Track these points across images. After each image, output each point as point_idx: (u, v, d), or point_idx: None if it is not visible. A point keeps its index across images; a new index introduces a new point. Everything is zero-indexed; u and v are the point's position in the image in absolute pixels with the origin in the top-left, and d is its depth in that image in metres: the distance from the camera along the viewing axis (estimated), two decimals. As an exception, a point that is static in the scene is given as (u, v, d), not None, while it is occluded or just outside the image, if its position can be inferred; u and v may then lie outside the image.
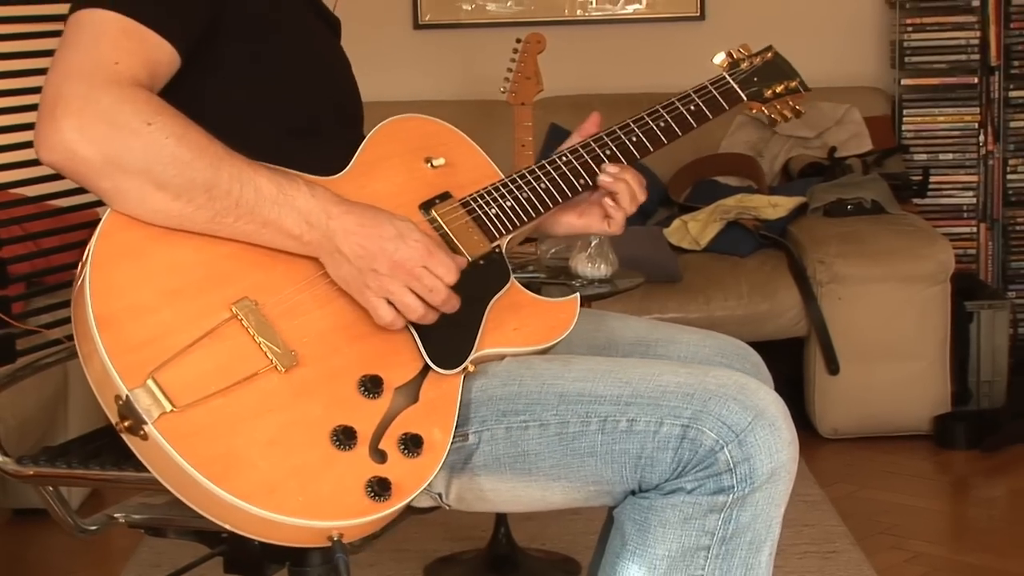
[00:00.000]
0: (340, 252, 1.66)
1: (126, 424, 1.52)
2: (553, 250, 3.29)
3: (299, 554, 1.79)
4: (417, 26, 5.08)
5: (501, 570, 3.22)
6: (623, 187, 1.92)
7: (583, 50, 4.93)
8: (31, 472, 1.86)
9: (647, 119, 1.99)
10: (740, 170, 4.73)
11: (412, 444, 1.62)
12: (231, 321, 1.61)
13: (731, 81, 2.09)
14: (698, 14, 5.05)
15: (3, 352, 1.89)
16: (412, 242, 1.67)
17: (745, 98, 2.10)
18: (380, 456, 1.60)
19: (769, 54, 2.16)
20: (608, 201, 1.93)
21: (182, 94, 1.70)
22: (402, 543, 3.25)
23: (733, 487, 1.65)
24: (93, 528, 1.94)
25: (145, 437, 1.52)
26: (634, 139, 1.97)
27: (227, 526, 1.56)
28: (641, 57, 4.98)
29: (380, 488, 1.56)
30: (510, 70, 3.34)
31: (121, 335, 1.55)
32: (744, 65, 2.13)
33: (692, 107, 2.03)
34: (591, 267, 3.20)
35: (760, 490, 1.66)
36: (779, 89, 2.13)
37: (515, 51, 3.35)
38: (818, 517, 3.49)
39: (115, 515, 1.90)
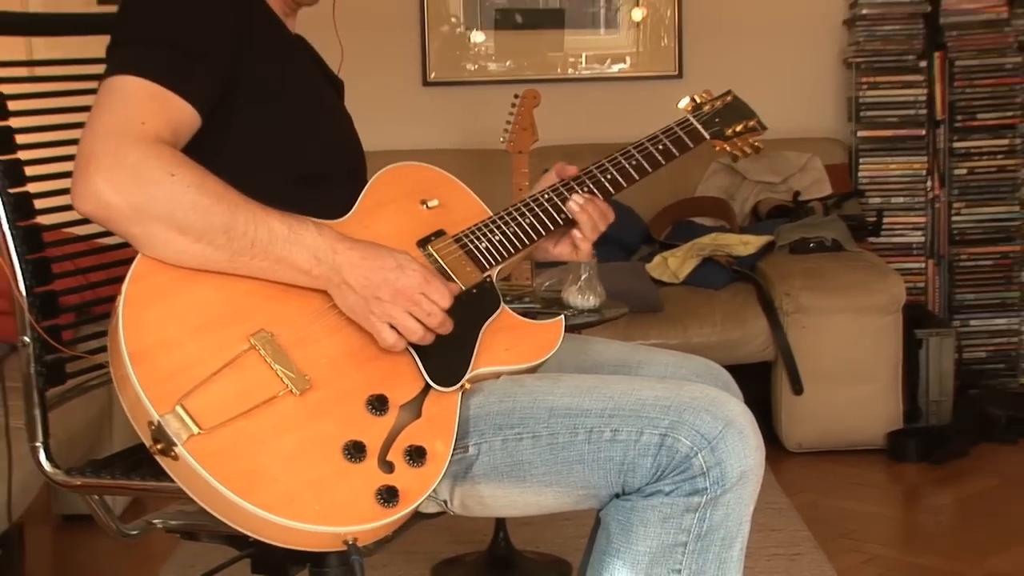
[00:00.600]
0: (347, 283, 1.68)
1: (159, 446, 1.53)
2: (547, 283, 3.29)
3: (319, 556, 1.79)
4: (426, 83, 5.10)
5: (500, 570, 3.21)
6: (585, 218, 1.93)
7: (574, 104, 4.94)
8: (79, 482, 1.86)
9: (620, 159, 2.00)
10: (714, 212, 4.75)
11: (416, 455, 1.62)
12: (250, 351, 1.61)
13: (694, 122, 2.10)
14: (676, 73, 5.08)
15: (54, 375, 1.89)
16: (411, 272, 1.69)
17: (708, 136, 2.10)
18: (388, 467, 1.60)
19: (729, 97, 2.17)
20: (576, 232, 1.95)
21: (202, 149, 1.71)
22: (411, 546, 3.24)
23: (707, 489, 1.65)
24: (134, 533, 1.94)
25: (176, 457, 1.53)
26: (609, 176, 1.98)
27: (252, 534, 1.56)
28: (626, 111, 5.00)
29: (389, 495, 1.57)
30: (509, 122, 3.35)
31: (152, 367, 1.56)
32: (706, 108, 2.14)
33: (660, 147, 2.03)
34: (581, 298, 3.20)
35: (731, 491, 1.66)
36: (739, 128, 2.14)
37: (513, 105, 3.36)
38: (785, 523, 3.49)
39: (154, 521, 1.90)
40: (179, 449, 1.52)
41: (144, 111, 1.65)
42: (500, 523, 3.24)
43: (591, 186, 1.96)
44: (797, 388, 4.12)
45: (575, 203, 1.93)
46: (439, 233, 1.87)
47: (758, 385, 4.18)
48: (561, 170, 2.00)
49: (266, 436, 1.57)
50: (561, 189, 1.95)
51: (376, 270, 1.68)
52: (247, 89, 1.80)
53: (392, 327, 1.68)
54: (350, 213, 1.83)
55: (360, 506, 1.56)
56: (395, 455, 1.62)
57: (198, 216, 1.61)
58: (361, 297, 1.68)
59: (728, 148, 2.15)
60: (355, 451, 1.59)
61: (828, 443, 4.17)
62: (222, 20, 1.79)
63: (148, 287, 1.62)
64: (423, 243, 1.85)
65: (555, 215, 1.93)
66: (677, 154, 2.04)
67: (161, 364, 1.57)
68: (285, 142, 1.85)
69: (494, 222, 1.90)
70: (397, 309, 1.68)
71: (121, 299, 1.60)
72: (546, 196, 1.94)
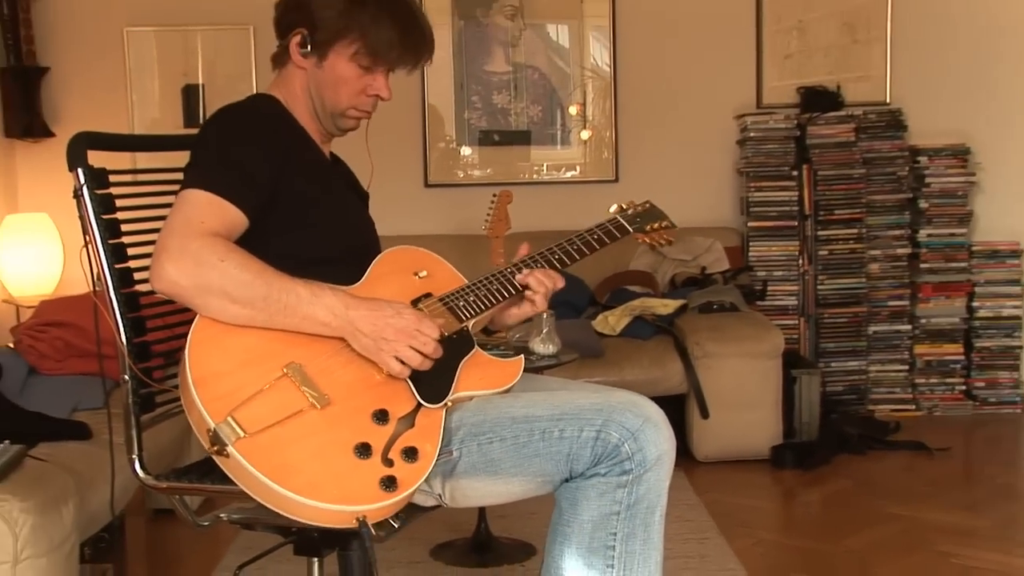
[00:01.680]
0: (360, 331, 1.70)
1: (215, 448, 1.55)
2: (517, 336, 3.29)
3: (345, 541, 1.78)
4: (427, 185, 5.11)
5: (482, 552, 3.19)
6: (532, 280, 1.95)
7: (538, 201, 4.97)
8: (164, 485, 1.86)
9: (565, 244, 2.03)
10: (642, 282, 4.76)
11: (410, 454, 1.63)
12: (283, 377, 1.63)
13: (622, 220, 2.13)
14: (614, 179, 5.10)
15: (146, 404, 1.89)
16: (407, 314, 1.72)
17: (632, 231, 2.14)
18: (389, 463, 1.61)
19: (647, 204, 2.22)
20: (527, 293, 1.96)
21: (252, 242, 1.74)
22: (414, 533, 3.22)
23: (632, 469, 1.67)
24: (206, 524, 1.94)
25: (228, 456, 1.55)
26: (556, 257, 2.01)
27: (286, 514, 1.56)
28: (576, 206, 5.02)
29: (389, 483, 1.58)
30: (488, 214, 3.37)
31: (209, 389, 1.58)
32: (630, 211, 2.18)
33: (595, 236, 2.07)
34: (543, 347, 3.21)
35: (651, 470, 1.68)
36: (655, 226, 2.18)
37: (492, 202, 3.38)
38: (695, 515, 3.47)
39: (221, 515, 1.89)
40: (230, 448, 1.54)
41: (204, 214, 1.69)
42: (482, 515, 3.22)
43: (543, 263, 1.99)
44: (704, 414, 4.11)
45: (521, 275, 1.95)
46: (427, 295, 1.89)
47: (675, 412, 4.17)
48: (522, 249, 2.03)
49: (295, 439, 1.58)
50: (520, 265, 1.98)
51: (380, 317, 1.70)
52: (286, 198, 1.83)
53: (397, 359, 1.69)
54: (360, 282, 1.85)
55: (368, 491, 1.57)
56: (394, 454, 1.62)
57: (243, 289, 1.64)
58: (372, 339, 1.69)
59: (648, 240, 2.19)
60: (363, 450, 1.60)
61: (727, 455, 4.17)
62: (269, 148, 1.83)
63: (206, 335, 1.65)
64: (415, 302, 1.86)
65: (515, 283, 1.96)
66: (608, 242, 2.08)
67: (216, 387, 1.59)
68: (315, 239, 1.87)
69: (469, 288, 1.92)
70: (400, 344, 1.69)
71: (187, 344, 1.63)
72: (508, 270, 1.97)
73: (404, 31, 1.90)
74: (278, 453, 1.56)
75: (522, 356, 1.91)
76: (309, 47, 1.91)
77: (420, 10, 1.95)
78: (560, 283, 1.98)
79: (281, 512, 1.56)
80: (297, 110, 1.96)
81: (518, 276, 1.95)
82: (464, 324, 1.87)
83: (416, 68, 1.97)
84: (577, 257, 2.02)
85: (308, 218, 1.87)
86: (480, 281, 1.93)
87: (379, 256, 1.93)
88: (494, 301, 1.92)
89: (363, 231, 2.04)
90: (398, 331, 1.69)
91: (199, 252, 1.64)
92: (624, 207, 2.17)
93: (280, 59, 1.98)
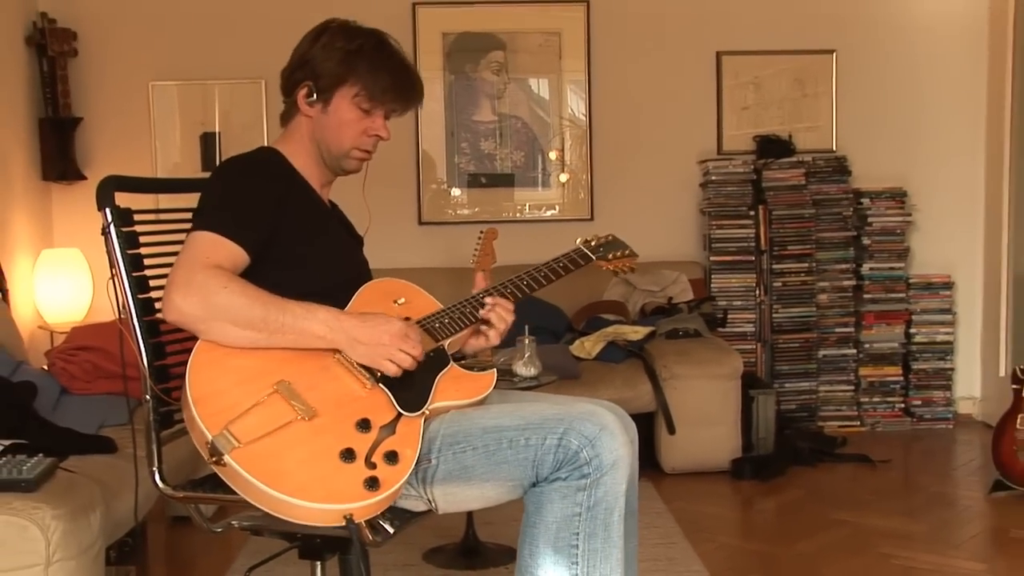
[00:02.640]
0: (357, 340, 1.72)
1: (213, 459, 1.56)
2: (502, 359, 3.30)
3: (345, 546, 1.78)
4: (420, 223, 5.12)
5: (469, 555, 3.19)
6: (493, 314, 1.96)
7: (521, 238, 4.97)
8: (181, 495, 1.86)
9: (532, 272, 2.05)
10: (615, 310, 4.77)
11: (392, 457, 1.64)
12: (274, 394, 1.65)
13: (584, 249, 2.15)
14: (590, 217, 5.11)
15: (166, 421, 1.89)
16: (395, 322, 1.76)
17: (594, 259, 2.16)
18: (371, 465, 1.62)
19: (610, 236, 2.23)
20: (484, 328, 1.98)
21: (252, 276, 1.75)
22: (408, 538, 3.21)
23: (590, 474, 1.67)
24: (219, 530, 1.94)
25: (224, 464, 1.56)
26: (524, 283, 2.03)
27: (281, 516, 1.57)
28: (555, 242, 4.94)
29: (372, 483, 1.59)
30: (476, 249, 3.37)
31: (207, 407, 1.60)
32: (594, 242, 2.20)
33: (560, 265, 2.09)
34: (524, 370, 3.22)
35: (608, 474, 1.68)
36: (618, 254, 2.21)
37: (479, 238, 3.39)
38: (663, 522, 3.47)
39: (232, 522, 1.89)
40: (226, 458, 1.55)
41: (208, 251, 1.72)
42: (470, 521, 3.21)
43: (512, 290, 2.00)
44: (671, 430, 4.12)
45: (486, 306, 1.96)
46: (406, 319, 1.89)
47: (645, 428, 4.17)
48: (480, 279, 2.04)
49: (286, 447, 1.59)
50: (491, 292, 1.99)
51: (373, 327, 1.73)
52: (285, 238, 1.85)
53: (392, 361, 1.72)
54: (345, 310, 1.85)
55: (353, 491, 1.58)
56: (377, 458, 1.63)
57: (244, 313, 1.66)
58: (368, 346, 1.72)
59: (610, 267, 2.21)
60: (347, 455, 1.61)
61: (692, 467, 4.17)
62: (269, 191, 1.86)
63: (205, 359, 1.67)
64: None
65: (480, 309, 1.97)
66: (572, 269, 2.11)
67: (213, 404, 1.60)
68: (311, 274, 1.89)
69: (443, 312, 1.94)
70: (394, 348, 1.73)
71: (188, 367, 1.65)
72: (478, 296, 1.99)
73: (397, 79, 1.96)
74: (270, 460, 1.57)
75: (495, 369, 1.92)
76: (315, 95, 1.95)
77: (410, 62, 2.01)
78: (512, 313, 1.99)
79: (276, 514, 1.57)
80: (300, 159, 1.99)
81: (481, 312, 1.96)
82: (440, 343, 1.88)
83: (406, 111, 2.02)
84: (544, 283, 2.04)
85: (305, 255, 1.89)
86: (453, 306, 1.96)
87: (362, 288, 1.94)
88: (466, 323, 1.94)
89: (354, 268, 2.06)
90: (392, 336, 1.73)
91: (204, 283, 1.66)
92: (588, 239, 2.20)
93: (287, 115, 2.02)
